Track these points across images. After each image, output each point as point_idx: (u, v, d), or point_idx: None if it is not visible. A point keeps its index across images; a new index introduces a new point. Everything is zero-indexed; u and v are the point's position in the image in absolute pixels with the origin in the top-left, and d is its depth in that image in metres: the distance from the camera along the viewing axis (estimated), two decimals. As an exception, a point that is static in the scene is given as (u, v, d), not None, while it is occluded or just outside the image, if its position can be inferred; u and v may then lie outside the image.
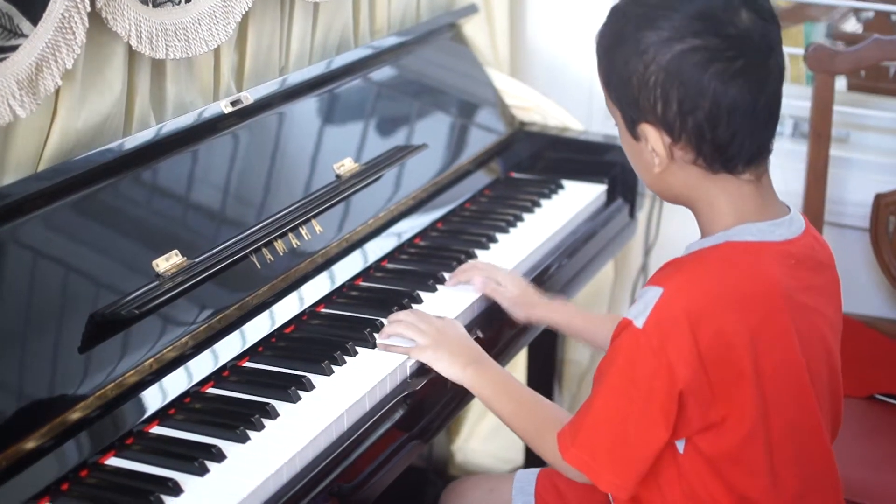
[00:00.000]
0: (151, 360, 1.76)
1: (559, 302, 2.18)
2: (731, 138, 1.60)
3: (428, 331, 1.94)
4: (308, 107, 2.28)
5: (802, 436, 1.69)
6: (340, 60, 2.40)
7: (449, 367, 1.90)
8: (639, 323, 1.61)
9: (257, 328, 1.94)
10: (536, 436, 1.79)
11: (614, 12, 1.67)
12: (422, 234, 2.38)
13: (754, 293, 1.61)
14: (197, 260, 1.88)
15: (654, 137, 1.62)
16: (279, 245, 2.03)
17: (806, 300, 1.66)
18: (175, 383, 1.78)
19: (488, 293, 2.12)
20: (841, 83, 2.98)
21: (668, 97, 1.59)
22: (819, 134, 2.65)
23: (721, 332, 1.59)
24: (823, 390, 1.70)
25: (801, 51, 3.00)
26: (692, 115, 1.59)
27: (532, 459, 2.85)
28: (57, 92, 1.79)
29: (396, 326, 1.96)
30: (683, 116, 1.59)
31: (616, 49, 1.63)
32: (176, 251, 1.87)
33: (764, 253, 1.64)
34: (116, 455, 1.66)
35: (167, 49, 1.93)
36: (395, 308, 2.04)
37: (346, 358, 1.90)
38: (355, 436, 1.75)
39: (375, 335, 1.96)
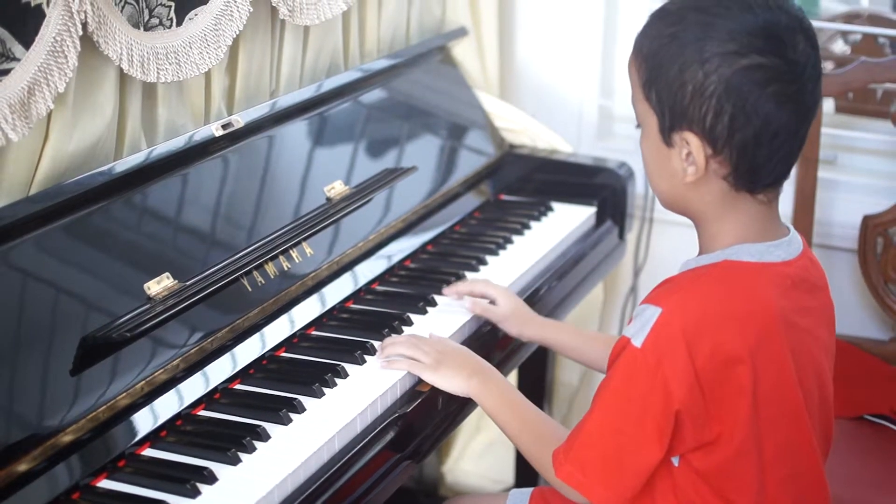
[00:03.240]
0: (143, 382, 1.76)
1: (552, 321, 2.18)
2: (767, 160, 1.61)
3: (429, 350, 1.95)
4: (298, 130, 2.29)
5: (796, 456, 1.69)
6: (330, 83, 2.41)
7: (453, 380, 1.91)
8: (637, 342, 1.62)
9: (248, 351, 1.95)
10: (539, 455, 1.79)
11: (666, 14, 1.65)
12: (412, 256, 2.39)
13: (751, 313, 1.62)
14: (188, 283, 1.88)
15: (696, 147, 1.61)
16: (270, 268, 2.04)
17: (799, 321, 1.67)
18: (167, 406, 1.79)
19: (479, 312, 2.13)
20: (829, 105, 3.00)
21: (721, 110, 1.58)
22: (807, 156, 2.67)
23: (718, 349, 1.60)
24: (815, 411, 1.71)
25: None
26: (741, 131, 1.59)
27: (523, 479, 2.85)
28: (49, 115, 1.79)
29: (395, 348, 1.96)
30: (732, 131, 1.59)
31: (671, 53, 1.61)
32: (167, 274, 1.87)
33: (761, 274, 1.65)
34: (108, 477, 1.66)
35: (158, 72, 1.93)
36: (386, 330, 2.05)
37: (337, 380, 1.91)
38: (346, 458, 1.75)
39: (367, 357, 1.97)
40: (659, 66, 1.63)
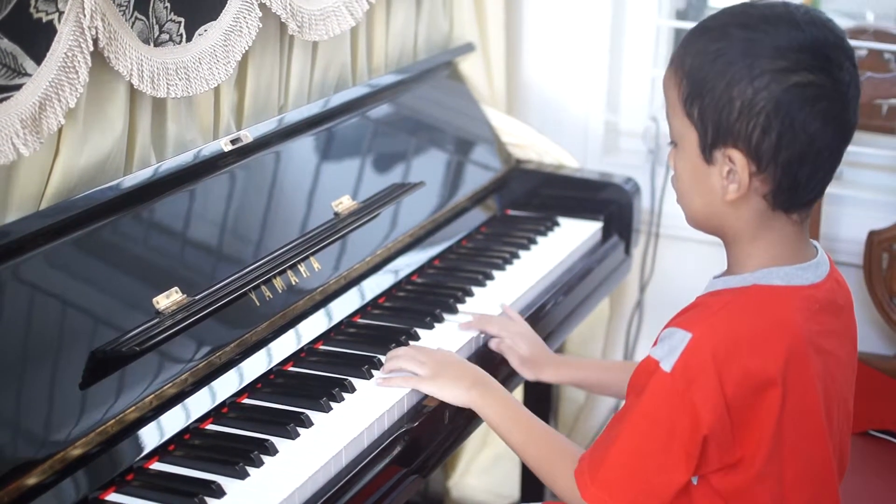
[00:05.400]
0: (152, 396, 1.77)
1: (569, 358, 2.18)
2: (809, 178, 1.61)
3: (427, 361, 1.95)
4: (307, 145, 2.30)
5: (816, 479, 1.69)
6: (338, 99, 2.42)
7: (453, 391, 1.91)
8: (666, 366, 1.61)
9: (256, 365, 1.96)
10: (549, 469, 1.79)
11: (709, 30, 1.64)
12: (419, 271, 2.40)
13: (780, 339, 1.61)
14: (197, 297, 1.89)
15: (741, 164, 1.60)
16: (278, 282, 2.04)
17: (825, 344, 1.66)
18: (175, 420, 1.80)
19: (502, 350, 2.13)
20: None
21: (769, 127, 1.57)
22: (812, 172, 2.67)
23: (748, 375, 1.59)
24: (836, 433, 1.71)
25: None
26: (787, 148, 1.58)
27: (529, 494, 2.86)
28: (59, 130, 1.81)
29: (396, 361, 1.97)
30: (779, 149, 1.58)
31: (717, 69, 1.59)
32: (176, 288, 1.88)
33: (790, 298, 1.64)
34: (117, 491, 1.67)
35: (168, 88, 1.95)
36: (393, 345, 2.05)
37: (345, 395, 1.91)
38: (354, 472, 1.76)
39: (374, 372, 1.98)
40: (703, 81, 1.61)
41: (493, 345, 2.14)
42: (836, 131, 1.59)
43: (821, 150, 1.59)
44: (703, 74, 1.61)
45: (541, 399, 2.83)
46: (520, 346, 2.13)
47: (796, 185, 1.61)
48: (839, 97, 1.59)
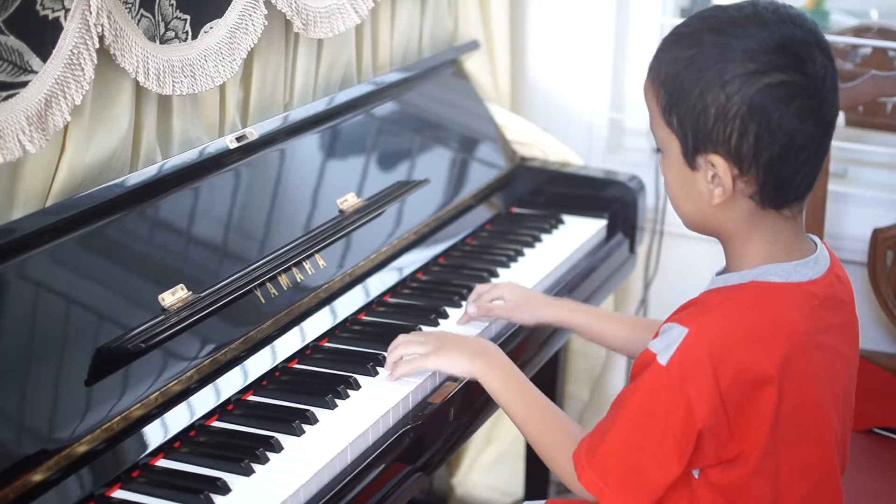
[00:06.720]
0: (157, 393, 1.78)
1: (569, 301, 2.17)
2: (793, 175, 1.61)
3: (428, 339, 1.96)
4: (312, 142, 2.30)
5: (815, 475, 1.69)
6: (343, 96, 2.43)
7: (457, 361, 1.92)
8: (662, 360, 1.62)
9: (261, 362, 1.96)
10: (548, 446, 1.80)
11: (681, 37, 1.64)
12: (423, 268, 2.40)
13: (776, 336, 1.62)
14: (202, 294, 1.89)
15: (723, 168, 1.60)
16: (283, 280, 2.05)
17: (824, 340, 1.67)
18: (180, 417, 1.80)
19: (486, 314, 2.14)
20: (839, 118, 2.99)
21: (746, 130, 1.58)
22: (817, 169, 2.67)
23: (743, 371, 1.60)
24: (837, 428, 1.72)
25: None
26: (767, 149, 1.58)
27: (533, 492, 2.86)
28: (65, 127, 1.81)
29: (397, 351, 1.97)
30: (758, 150, 1.58)
31: (690, 77, 1.60)
32: (182, 285, 1.88)
33: (788, 295, 1.64)
34: (122, 488, 1.67)
35: (174, 85, 1.95)
36: (396, 341, 2.06)
37: (350, 392, 1.92)
38: (359, 469, 1.76)
39: (379, 369, 1.98)
40: (679, 90, 1.62)
41: (471, 311, 2.15)
42: (815, 126, 1.60)
43: (802, 146, 1.60)
44: (679, 83, 1.62)
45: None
46: (503, 296, 2.15)
47: (781, 183, 1.62)
48: (814, 92, 1.59)
